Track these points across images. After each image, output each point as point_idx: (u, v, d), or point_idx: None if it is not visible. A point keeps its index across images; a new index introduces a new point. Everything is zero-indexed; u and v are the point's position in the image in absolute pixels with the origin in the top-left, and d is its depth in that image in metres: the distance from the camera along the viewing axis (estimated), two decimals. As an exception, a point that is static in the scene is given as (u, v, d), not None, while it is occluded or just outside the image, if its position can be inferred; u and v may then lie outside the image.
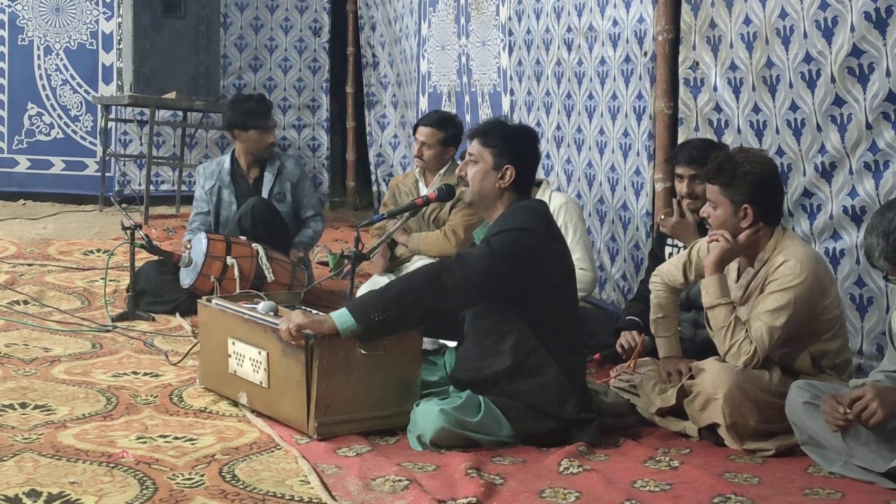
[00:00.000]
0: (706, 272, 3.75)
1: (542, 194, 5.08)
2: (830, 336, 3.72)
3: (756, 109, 4.47)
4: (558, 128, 6.08)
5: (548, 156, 6.22)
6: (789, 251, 3.66)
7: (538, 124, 6.28)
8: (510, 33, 6.53)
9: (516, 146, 3.78)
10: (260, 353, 3.77)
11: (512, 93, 6.58)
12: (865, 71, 3.84)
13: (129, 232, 5.37)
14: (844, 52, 3.88)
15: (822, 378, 3.68)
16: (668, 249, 4.71)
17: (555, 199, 5.06)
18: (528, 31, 6.30)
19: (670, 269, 4.07)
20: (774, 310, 3.60)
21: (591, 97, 5.73)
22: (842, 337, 3.75)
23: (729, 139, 4.66)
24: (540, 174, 6.07)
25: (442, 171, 5.58)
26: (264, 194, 5.78)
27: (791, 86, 4.21)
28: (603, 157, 5.67)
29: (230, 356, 3.94)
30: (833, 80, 3.96)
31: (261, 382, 3.79)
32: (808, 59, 4.09)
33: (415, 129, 5.65)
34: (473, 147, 3.80)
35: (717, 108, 4.73)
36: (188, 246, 5.48)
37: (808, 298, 3.61)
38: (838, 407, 3.25)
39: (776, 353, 3.69)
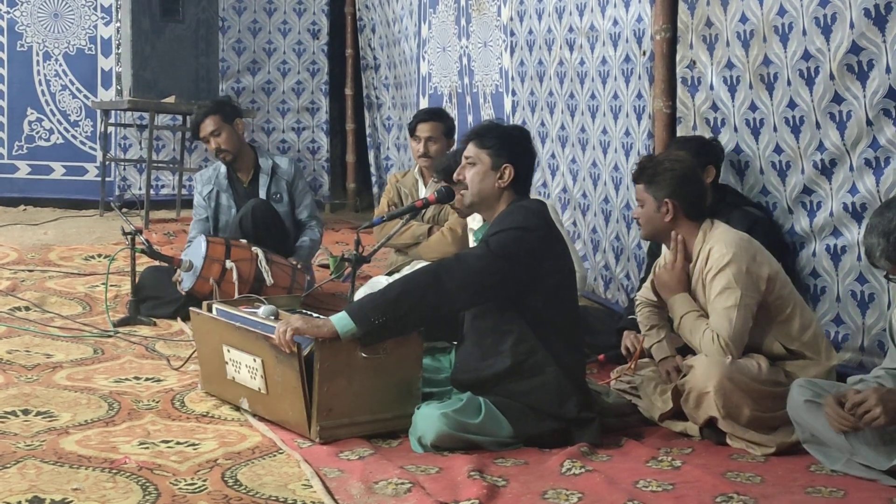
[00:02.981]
0: (665, 299, 3.91)
1: None
2: (787, 316, 3.77)
3: (753, 107, 4.47)
4: (562, 128, 6.08)
5: (553, 155, 6.22)
6: (714, 239, 3.81)
7: (542, 124, 6.28)
8: (512, 34, 6.53)
9: (512, 145, 3.80)
10: (255, 360, 3.76)
11: (514, 93, 6.58)
12: (865, 68, 3.84)
13: (129, 237, 5.37)
14: (844, 48, 3.87)
15: (803, 364, 3.74)
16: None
17: None
18: (531, 32, 6.31)
19: (644, 290, 4.17)
20: (720, 293, 3.70)
21: (593, 97, 5.73)
22: (799, 319, 3.79)
23: (725, 137, 4.66)
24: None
25: (438, 171, 5.58)
26: (261, 196, 5.78)
27: (789, 83, 4.21)
28: (606, 157, 5.67)
29: (227, 363, 3.94)
30: (832, 77, 3.96)
31: (259, 389, 3.79)
32: (806, 56, 4.08)
33: (413, 128, 5.62)
34: (469, 150, 3.81)
35: (714, 107, 4.73)
36: (180, 280, 5.44)
37: (747, 272, 3.70)
38: (841, 410, 3.25)
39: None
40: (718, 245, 3.77)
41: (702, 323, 3.74)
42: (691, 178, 3.92)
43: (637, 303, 4.19)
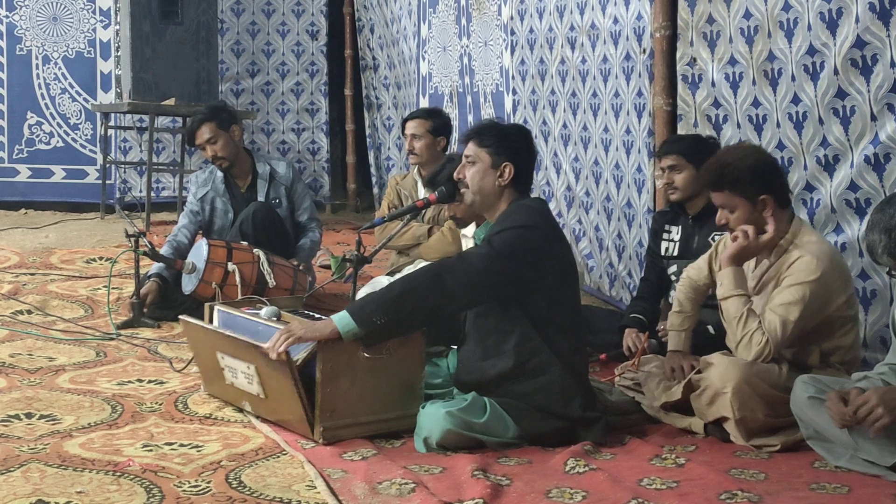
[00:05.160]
0: (722, 265, 3.77)
1: None
2: (843, 333, 3.72)
3: (756, 104, 4.46)
4: (565, 126, 6.09)
5: (555, 154, 6.23)
6: (806, 247, 3.67)
7: (544, 123, 6.29)
8: (512, 33, 6.54)
9: (512, 143, 3.78)
10: (248, 366, 3.75)
11: (514, 92, 6.59)
12: (869, 62, 3.83)
13: (132, 239, 5.36)
14: (849, 43, 3.87)
15: (830, 373, 3.68)
16: (664, 245, 4.72)
17: None
18: (531, 31, 6.31)
19: (698, 262, 4.08)
20: (789, 303, 3.60)
21: (595, 95, 5.73)
22: (854, 334, 3.75)
23: (727, 134, 4.66)
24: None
25: (437, 171, 5.59)
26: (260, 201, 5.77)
27: (793, 79, 4.20)
28: (608, 155, 5.68)
29: (223, 369, 3.93)
30: (836, 72, 3.95)
31: (258, 394, 3.78)
32: (811, 51, 4.08)
33: (403, 127, 5.69)
34: (469, 149, 3.80)
35: (716, 104, 4.73)
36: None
37: (821, 295, 3.61)
38: (844, 407, 3.24)
39: (787, 350, 3.69)
40: (810, 258, 3.62)
41: (754, 318, 3.61)
42: (774, 166, 3.79)
43: (682, 278, 4.10)
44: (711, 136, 4.67)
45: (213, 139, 5.69)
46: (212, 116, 5.76)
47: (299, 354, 3.57)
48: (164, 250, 5.59)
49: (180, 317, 4.20)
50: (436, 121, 5.65)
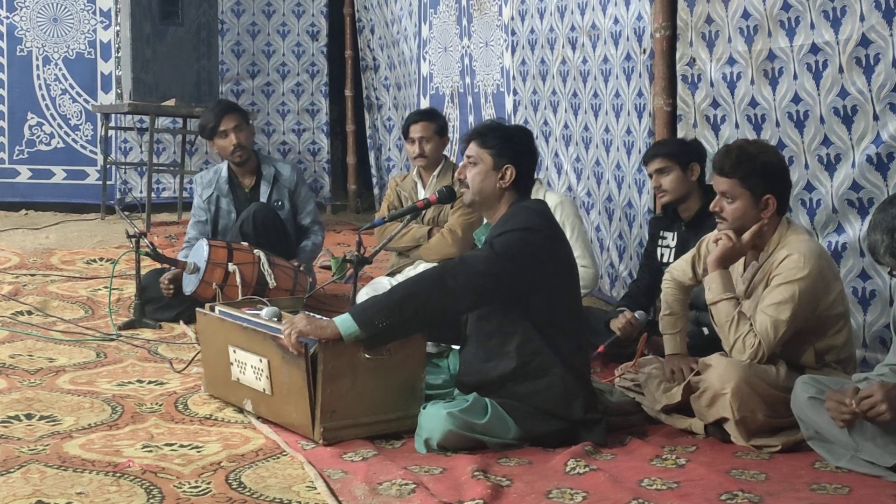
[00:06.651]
0: (709, 269, 3.75)
1: (535, 193, 5.07)
2: (836, 331, 3.71)
3: (753, 103, 4.46)
4: (566, 126, 6.09)
5: (556, 154, 6.23)
6: (793, 245, 3.66)
7: (545, 123, 6.29)
8: (513, 33, 6.54)
9: (515, 146, 3.78)
10: (261, 360, 3.76)
11: (515, 92, 6.59)
12: (872, 62, 3.83)
13: (134, 240, 5.36)
14: (854, 41, 3.87)
15: (827, 372, 3.67)
16: (659, 251, 4.72)
17: (550, 199, 5.05)
18: (532, 31, 6.31)
19: (681, 264, 4.07)
20: (779, 303, 3.59)
21: (595, 95, 5.73)
22: (847, 332, 3.75)
23: (726, 134, 4.67)
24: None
25: (436, 172, 5.59)
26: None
27: (795, 77, 4.20)
28: (609, 155, 5.68)
29: (232, 364, 3.93)
30: (841, 70, 3.95)
31: (264, 390, 3.78)
32: (814, 49, 4.07)
33: (406, 130, 5.65)
34: (471, 149, 3.79)
35: (714, 104, 4.73)
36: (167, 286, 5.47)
37: (811, 293, 3.60)
38: (844, 400, 3.24)
39: (780, 349, 3.69)
40: (797, 256, 3.60)
41: (745, 321, 3.62)
42: (787, 171, 3.77)
43: (665, 279, 4.10)
44: (695, 138, 4.70)
45: (239, 126, 5.72)
46: (237, 108, 5.87)
47: (311, 350, 3.58)
48: (182, 255, 5.60)
49: (197, 309, 4.21)
50: (439, 122, 5.67)
